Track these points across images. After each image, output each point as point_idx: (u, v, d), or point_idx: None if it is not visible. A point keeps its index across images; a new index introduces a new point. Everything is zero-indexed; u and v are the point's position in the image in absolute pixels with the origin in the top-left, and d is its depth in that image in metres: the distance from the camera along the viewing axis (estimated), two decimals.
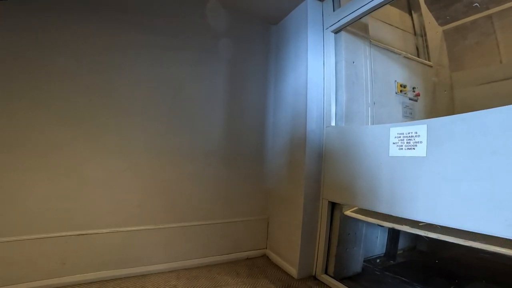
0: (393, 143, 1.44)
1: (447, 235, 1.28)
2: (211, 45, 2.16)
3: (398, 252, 2.23)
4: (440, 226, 1.38)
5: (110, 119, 1.79)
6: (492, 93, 2.29)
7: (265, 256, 2.31)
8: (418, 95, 2.37)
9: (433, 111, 2.52)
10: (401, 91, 2.26)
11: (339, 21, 1.88)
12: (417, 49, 2.66)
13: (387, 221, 1.56)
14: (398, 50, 2.34)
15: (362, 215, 1.74)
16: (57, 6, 1.67)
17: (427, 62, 2.59)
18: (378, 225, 1.78)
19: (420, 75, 2.49)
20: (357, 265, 1.98)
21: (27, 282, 1.55)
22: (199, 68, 2.10)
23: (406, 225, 1.46)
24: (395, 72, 2.29)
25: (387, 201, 1.46)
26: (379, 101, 2.10)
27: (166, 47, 1.98)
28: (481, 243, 1.15)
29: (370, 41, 2.11)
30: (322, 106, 1.99)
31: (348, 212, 1.82)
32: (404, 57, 2.36)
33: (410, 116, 2.30)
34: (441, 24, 2.77)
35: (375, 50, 2.14)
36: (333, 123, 1.95)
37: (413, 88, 2.36)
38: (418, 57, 2.66)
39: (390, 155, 1.46)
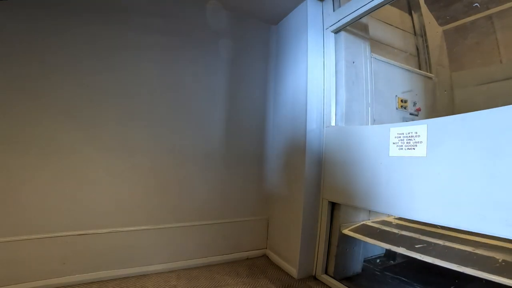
0: (393, 143, 1.44)
1: (441, 259, 1.30)
2: (212, 46, 2.16)
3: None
4: (438, 239, 1.40)
5: (110, 119, 1.79)
6: (492, 93, 2.29)
7: (265, 256, 2.31)
8: (419, 110, 2.37)
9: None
10: (401, 106, 2.26)
11: (339, 21, 1.88)
12: (417, 49, 2.66)
13: (384, 242, 1.59)
14: (399, 64, 2.33)
15: (361, 234, 1.76)
16: (58, 7, 1.67)
17: (428, 74, 2.58)
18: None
19: (422, 88, 2.49)
20: (357, 265, 1.98)
21: (27, 282, 1.55)
22: (199, 68, 2.10)
23: (402, 247, 1.49)
24: (396, 86, 2.27)
25: (387, 201, 1.45)
26: (379, 119, 2.09)
27: (166, 47, 1.98)
28: (473, 269, 1.17)
29: (371, 55, 2.10)
30: (322, 106, 1.99)
31: (346, 231, 1.83)
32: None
33: None
34: (441, 24, 2.77)
35: (375, 63, 2.13)
36: (333, 123, 1.95)
37: (414, 103, 2.36)
38: (418, 57, 2.66)
39: (390, 155, 1.45)
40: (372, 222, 1.98)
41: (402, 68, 2.35)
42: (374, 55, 2.13)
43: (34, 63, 1.61)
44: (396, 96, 2.25)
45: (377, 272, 2.01)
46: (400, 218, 2.09)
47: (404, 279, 1.88)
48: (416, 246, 1.47)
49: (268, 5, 2.14)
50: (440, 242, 1.51)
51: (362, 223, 1.96)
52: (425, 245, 1.49)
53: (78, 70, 1.71)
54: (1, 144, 1.53)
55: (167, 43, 1.98)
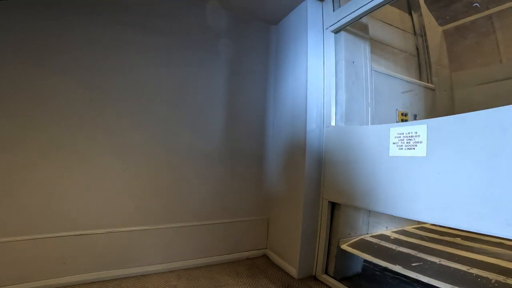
0: (393, 143, 1.44)
1: (436, 279, 1.32)
2: (211, 45, 2.16)
3: None
4: (437, 262, 1.45)
5: (110, 119, 1.79)
6: (492, 93, 2.29)
7: (265, 256, 2.31)
8: None
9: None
10: (402, 120, 2.25)
11: (339, 21, 1.88)
12: (417, 49, 2.66)
13: (381, 259, 1.62)
14: (400, 75, 2.33)
15: (359, 250, 1.77)
16: (57, 7, 1.67)
17: (429, 84, 2.57)
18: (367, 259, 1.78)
19: (422, 99, 2.47)
20: (357, 265, 1.98)
21: (27, 282, 1.55)
22: (199, 68, 2.10)
23: (399, 264, 1.51)
24: (397, 100, 2.26)
25: (387, 201, 1.46)
26: None
27: (166, 47, 1.98)
28: None
29: (372, 68, 2.09)
30: (322, 106, 1.99)
31: (344, 246, 1.84)
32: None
33: None
34: (441, 24, 2.77)
35: (376, 76, 2.12)
36: (333, 123, 1.95)
37: (415, 115, 2.36)
38: (418, 57, 2.66)
39: (390, 155, 1.45)
40: (370, 236, 2.01)
41: (403, 80, 2.34)
42: (375, 68, 2.12)
43: (34, 63, 1.61)
44: (397, 110, 2.24)
45: (377, 272, 2.01)
46: (398, 232, 2.12)
47: (404, 279, 1.88)
48: (413, 264, 1.50)
49: (268, 5, 2.14)
50: (436, 260, 1.54)
51: (360, 237, 1.97)
52: (421, 263, 1.52)
53: (78, 70, 1.71)
54: (1, 144, 1.53)
55: (167, 43, 1.98)
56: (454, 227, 1.16)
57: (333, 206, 1.93)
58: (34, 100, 1.60)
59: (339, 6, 1.93)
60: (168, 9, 2.00)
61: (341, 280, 1.83)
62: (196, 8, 2.10)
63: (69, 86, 1.69)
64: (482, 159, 1.06)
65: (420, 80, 2.60)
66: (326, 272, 1.92)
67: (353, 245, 1.83)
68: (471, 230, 1.10)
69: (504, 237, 0.99)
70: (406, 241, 1.90)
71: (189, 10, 2.07)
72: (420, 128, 1.31)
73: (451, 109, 2.62)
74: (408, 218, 1.36)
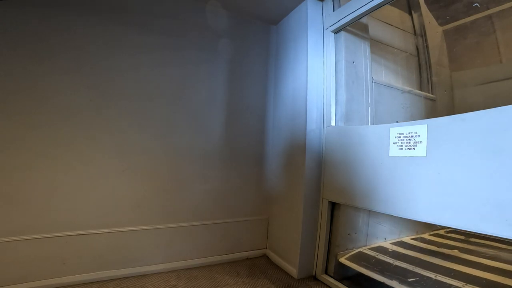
0: (393, 143, 1.44)
1: None
2: (211, 46, 2.16)
3: None
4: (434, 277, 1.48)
5: (110, 119, 1.79)
6: (492, 93, 2.29)
7: (265, 256, 2.31)
8: None
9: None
10: None
11: (339, 21, 1.88)
12: (417, 49, 2.66)
13: (378, 273, 1.64)
14: (401, 86, 2.31)
15: (357, 264, 1.78)
16: (58, 7, 1.67)
17: (430, 95, 2.56)
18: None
19: (423, 109, 2.47)
20: None
21: (27, 282, 1.55)
22: (199, 68, 2.10)
23: (395, 279, 1.52)
24: (396, 111, 2.26)
25: (387, 201, 1.45)
26: None
27: (166, 47, 1.98)
28: None
29: (373, 79, 2.08)
30: (322, 106, 1.99)
31: (343, 260, 1.85)
32: (408, 92, 2.32)
33: None
34: (441, 24, 2.77)
35: (376, 88, 2.12)
36: (333, 123, 1.95)
37: None
38: (418, 57, 2.66)
39: (390, 155, 1.45)
40: (368, 249, 2.01)
41: (404, 91, 2.33)
42: (375, 80, 2.11)
43: (34, 63, 1.61)
44: (397, 121, 2.24)
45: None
46: (396, 244, 2.13)
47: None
48: (409, 280, 1.51)
49: (268, 5, 2.14)
50: (432, 275, 1.55)
51: (358, 250, 1.97)
52: (417, 278, 1.53)
53: (78, 70, 1.71)
54: (1, 144, 1.53)
55: (167, 43, 1.98)
56: (454, 227, 1.16)
57: (333, 206, 1.93)
58: (35, 100, 1.60)
59: (339, 6, 1.93)
60: (168, 9, 2.00)
61: (341, 280, 1.82)
62: (196, 8, 2.10)
63: (69, 86, 1.69)
64: (482, 159, 1.06)
65: (420, 79, 2.60)
66: (326, 272, 1.92)
67: (351, 259, 1.84)
68: (471, 231, 1.09)
69: (504, 237, 0.99)
70: (403, 254, 1.91)
71: (189, 10, 2.07)
72: (420, 128, 1.31)
73: (451, 109, 2.62)
74: (408, 218, 1.36)
